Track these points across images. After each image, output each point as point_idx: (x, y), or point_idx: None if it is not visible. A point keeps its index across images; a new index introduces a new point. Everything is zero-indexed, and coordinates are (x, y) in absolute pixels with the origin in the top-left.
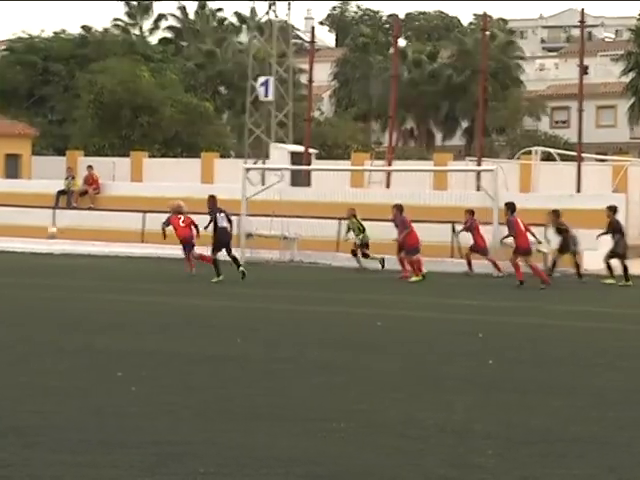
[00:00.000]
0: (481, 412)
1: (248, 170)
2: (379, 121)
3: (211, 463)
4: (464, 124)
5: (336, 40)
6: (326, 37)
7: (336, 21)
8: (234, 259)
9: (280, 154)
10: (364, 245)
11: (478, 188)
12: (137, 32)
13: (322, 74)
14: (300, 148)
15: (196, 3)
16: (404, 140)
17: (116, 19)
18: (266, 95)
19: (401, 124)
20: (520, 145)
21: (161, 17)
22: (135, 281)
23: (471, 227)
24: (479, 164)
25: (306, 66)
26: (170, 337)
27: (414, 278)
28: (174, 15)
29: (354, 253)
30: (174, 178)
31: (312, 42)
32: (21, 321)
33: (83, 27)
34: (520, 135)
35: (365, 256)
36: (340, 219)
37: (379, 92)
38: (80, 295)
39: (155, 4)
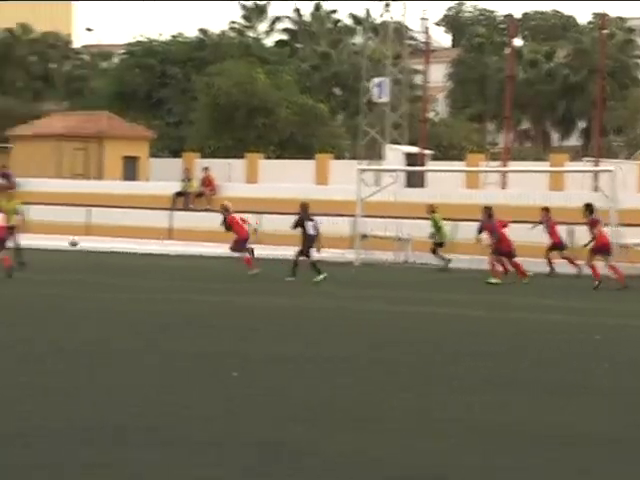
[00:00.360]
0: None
1: (362, 171)
2: (494, 122)
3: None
4: (581, 124)
5: (452, 41)
6: (441, 38)
7: (451, 21)
8: (314, 264)
9: (395, 155)
10: (439, 244)
11: (596, 189)
12: (253, 34)
13: (437, 75)
14: (415, 149)
15: (311, 5)
16: (520, 141)
17: (232, 22)
18: (381, 96)
19: (517, 124)
20: (639, 145)
21: (277, 19)
22: (243, 282)
23: (547, 225)
24: (597, 165)
25: (421, 67)
26: (298, 339)
27: (493, 280)
28: (289, 17)
29: (434, 251)
30: (289, 179)
31: (427, 43)
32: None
33: (200, 30)
34: (639, 135)
35: (433, 252)
36: (455, 220)
37: (494, 92)
38: (199, 297)
39: (271, 6)
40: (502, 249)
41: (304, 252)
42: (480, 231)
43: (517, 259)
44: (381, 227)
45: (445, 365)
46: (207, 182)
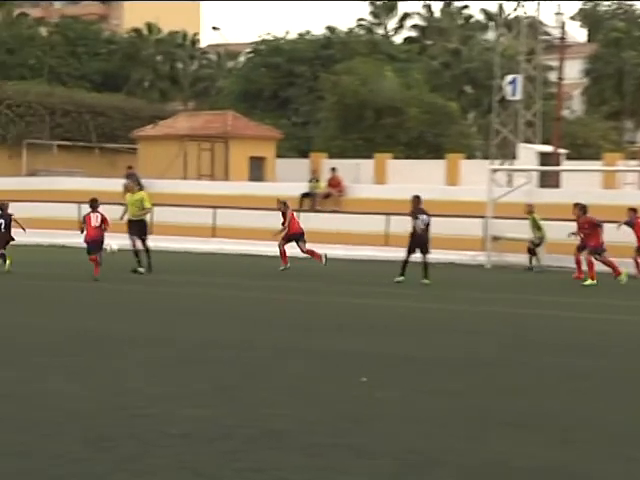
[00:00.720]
0: None
1: (495, 171)
2: (633, 119)
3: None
4: None
5: (588, 35)
6: (577, 32)
7: (587, 16)
8: (425, 266)
9: (528, 155)
10: (537, 244)
11: None
12: (382, 32)
13: (572, 71)
14: (549, 148)
15: (441, 1)
16: None
17: (360, 19)
18: (514, 94)
19: None
20: None
21: (406, 16)
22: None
23: (632, 224)
24: None
25: (556, 63)
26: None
27: (588, 282)
28: (419, 14)
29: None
30: (418, 179)
31: (562, 38)
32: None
33: (328, 28)
34: None
35: (530, 252)
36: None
37: (633, 89)
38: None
39: (400, 3)
40: None
41: (412, 249)
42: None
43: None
44: (514, 229)
45: None
46: (335, 183)
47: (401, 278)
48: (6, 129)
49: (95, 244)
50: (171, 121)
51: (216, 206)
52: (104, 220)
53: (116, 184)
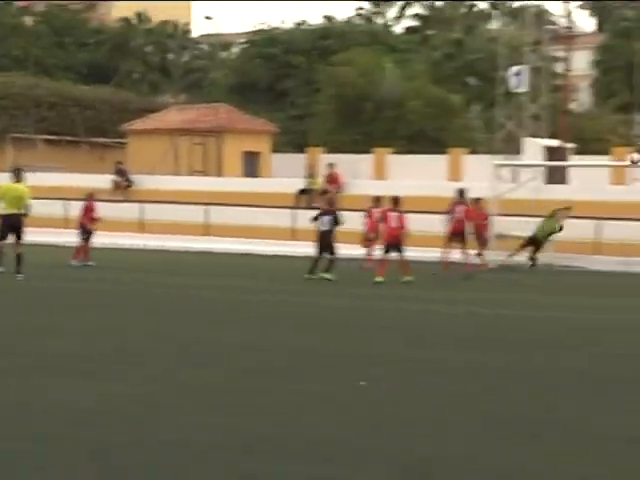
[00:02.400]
0: None
1: (499, 167)
2: None
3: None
4: None
5: (597, 25)
6: (585, 22)
7: (596, 5)
8: (330, 262)
9: (534, 149)
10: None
11: None
12: (381, 21)
13: (580, 62)
14: (556, 143)
15: None
16: None
17: (359, 8)
18: (519, 86)
19: None
20: None
21: (407, 5)
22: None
23: None
24: None
25: (563, 54)
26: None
27: None
28: (421, 2)
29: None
30: (419, 175)
31: (569, 28)
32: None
33: (325, 17)
34: None
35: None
36: (600, 219)
37: None
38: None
39: None
40: None
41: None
42: None
43: None
44: (519, 227)
45: None
46: (332, 179)
47: (308, 275)
48: None
49: None
50: (162, 114)
51: (209, 203)
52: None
53: (104, 180)
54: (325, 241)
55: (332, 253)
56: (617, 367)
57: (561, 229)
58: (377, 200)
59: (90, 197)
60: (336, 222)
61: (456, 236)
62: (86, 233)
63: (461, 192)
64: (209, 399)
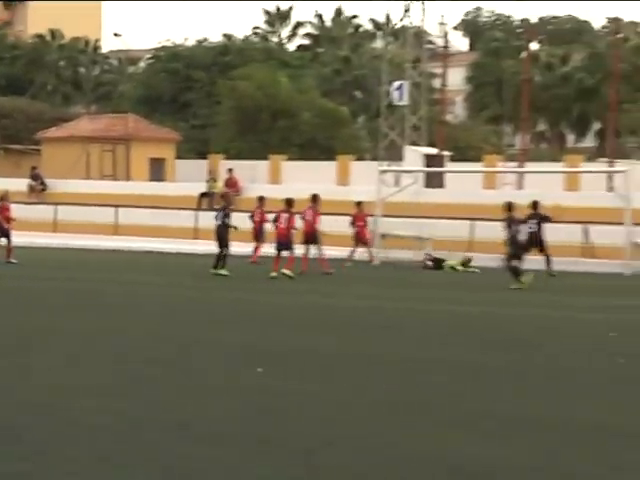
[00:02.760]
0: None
1: (383, 172)
2: (511, 124)
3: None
4: (596, 126)
5: (469, 45)
6: (459, 42)
7: (469, 26)
8: (220, 257)
9: (414, 156)
10: None
11: (610, 189)
12: (276, 39)
13: (455, 78)
14: (434, 151)
15: (333, 10)
16: (536, 142)
17: (256, 27)
18: (400, 99)
19: (533, 126)
20: None
21: (299, 25)
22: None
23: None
24: (611, 165)
25: (440, 70)
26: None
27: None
28: (311, 22)
29: None
30: (311, 180)
31: (445, 47)
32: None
33: (225, 35)
34: None
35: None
36: (473, 219)
37: (511, 96)
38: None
39: (293, 12)
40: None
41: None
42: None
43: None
44: (401, 227)
45: None
46: (231, 183)
47: (214, 270)
48: None
49: None
50: (74, 123)
51: (118, 205)
52: None
53: (21, 184)
54: (218, 235)
55: (221, 248)
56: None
57: None
58: (261, 200)
59: (3, 198)
60: (227, 216)
61: (308, 236)
62: (2, 232)
63: (314, 197)
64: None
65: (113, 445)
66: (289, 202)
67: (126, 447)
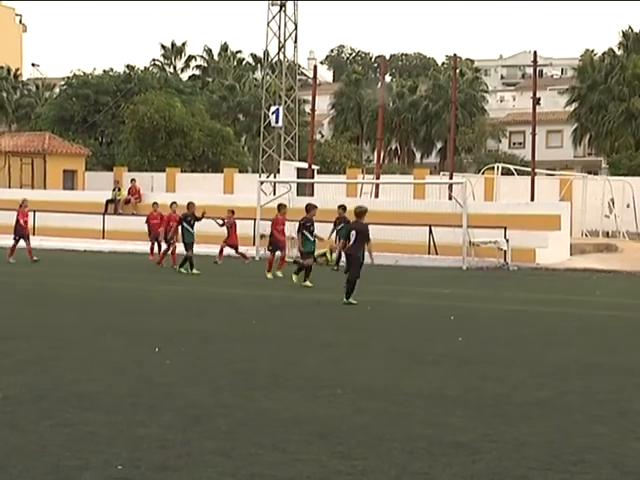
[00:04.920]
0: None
1: (262, 183)
2: (369, 142)
3: (237, 423)
4: (438, 145)
5: (333, 76)
6: (326, 74)
7: (334, 60)
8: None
9: (288, 170)
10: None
11: (450, 197)
12: (171, 70)
13: (322, 104)
14: (304, 165)
15: (219, 46)
16: (390, 158)
17: (154, 59)
18: (277, 122)
19: (387, 145)
20: (484, 162)
21: (191, 58)
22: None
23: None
24: (451, 178)
25: (309, 97)
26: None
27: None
28: (202, 56)
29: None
30: (201, 189)
31: (315, 78)
32: (82, 305)
33: (127, 66)
34: (484, 154)
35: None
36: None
37: (369, 119)
38: (135, 285)
39: (186, 47)
40: None
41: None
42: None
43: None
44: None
45: None
46: (134, 191)
47: (183, 269)
48: None
49: None
50: None
51: (35, 210)
52: None
53: None
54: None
55: (188, 250)
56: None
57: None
58: (154, 205)
59: (22, 205)
60: (196, 219)
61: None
62: (21, 235)
63: (154, 204)
64: None
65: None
66: (188, 206)
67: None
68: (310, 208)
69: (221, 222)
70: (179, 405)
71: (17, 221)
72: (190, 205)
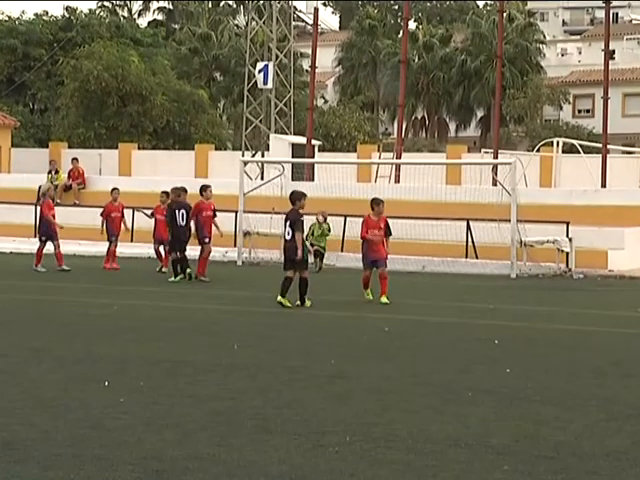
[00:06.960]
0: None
1: (246, 163)
2: (387, 110)
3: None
4: (479, 113)
5: (340, 22)
6: (330, 19)
7: (341, 2)
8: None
9: (280, 146)
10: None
11: (494, 183)
12: (125, 14)
13: (326, 59)
14: (302, 139)
15: None
16: (414, 131)
17: (102, 0)
18: (265, 82)
19: (411, 113)
20: (540, 136)
21: None
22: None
23: None
24: (496, 157)
25: (308, 51)
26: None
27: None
28: None
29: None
30: (166, 172)
31: (315, 24)
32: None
33: (67, 9)
34: (540, 125)
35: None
36: (346, 216)
37: (387, 79)
38: (72, 299)
39: None
40: None
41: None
42: None
43: None
44: (266, 224)
45: None
46: (76, 174)
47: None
48: None
49: None
50: None
51: None
52: None
53: None
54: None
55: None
56: None
57: (329, 230)
58: (114, 191)
59: (46, 194)
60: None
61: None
62: (49, 235)
63: (114, 190)
64: None
65: None
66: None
67: None
68: (295, 198)
69: (149, 213)
70: (136, 457)
71: None
72: (176, 191)
